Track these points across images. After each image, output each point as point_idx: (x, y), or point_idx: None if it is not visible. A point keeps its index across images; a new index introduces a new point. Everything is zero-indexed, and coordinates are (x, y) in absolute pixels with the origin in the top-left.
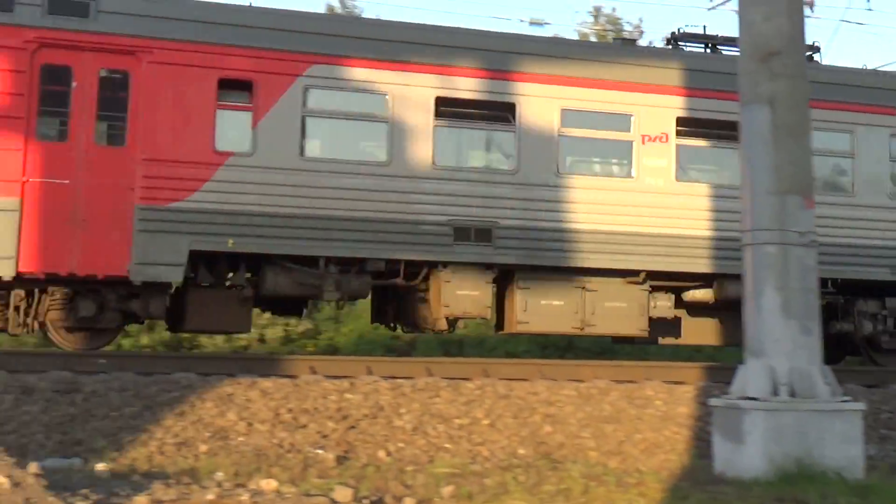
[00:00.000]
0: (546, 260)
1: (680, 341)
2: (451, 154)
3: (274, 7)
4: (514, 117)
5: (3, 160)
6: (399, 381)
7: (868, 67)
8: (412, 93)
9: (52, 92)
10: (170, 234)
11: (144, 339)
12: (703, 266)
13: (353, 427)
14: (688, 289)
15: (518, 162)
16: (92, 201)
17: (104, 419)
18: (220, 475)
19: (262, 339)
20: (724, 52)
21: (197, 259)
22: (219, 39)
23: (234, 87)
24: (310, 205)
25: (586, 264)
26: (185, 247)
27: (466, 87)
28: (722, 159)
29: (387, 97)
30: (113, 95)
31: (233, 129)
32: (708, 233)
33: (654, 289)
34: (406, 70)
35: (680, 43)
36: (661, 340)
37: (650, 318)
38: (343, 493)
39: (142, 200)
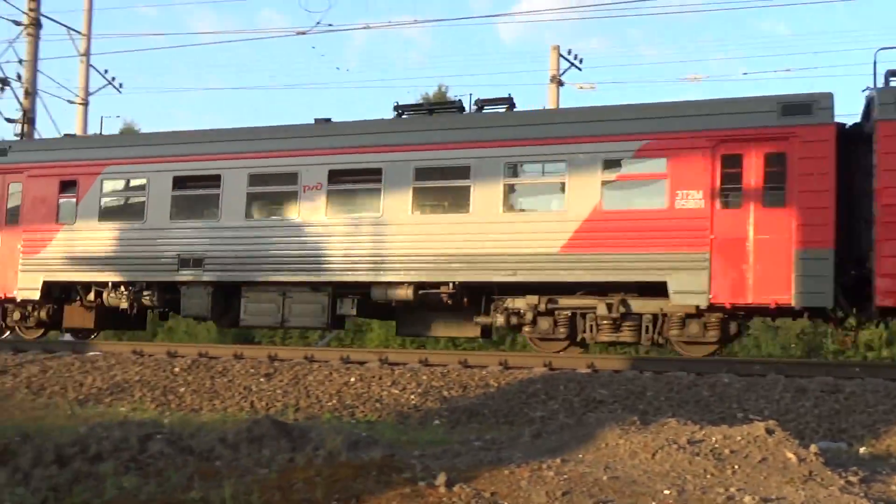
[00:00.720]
0: (235, 277)
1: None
2: (182, 211)
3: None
4: (219, 185)
5: None
6: None
7: None
8: (161, 176)
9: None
10: (33, 272)
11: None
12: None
13: None
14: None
15: (220, 213)
16: (2, 255)
17: (861, 413)
18: None
19: None
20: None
21: (70, 286)
22: (60, 158)
23: (68, 185)
24: (103, 248)
25: (266, 279)
26: (41, 279)
27: (188, 168)
28: (359, 200)
29: (145, 180)
30: (12, 196)
31: (66, 209)
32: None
33: (342, 294)
34: (155, 162)
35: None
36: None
37: (337, 316)
38: None
39: (22, 254)
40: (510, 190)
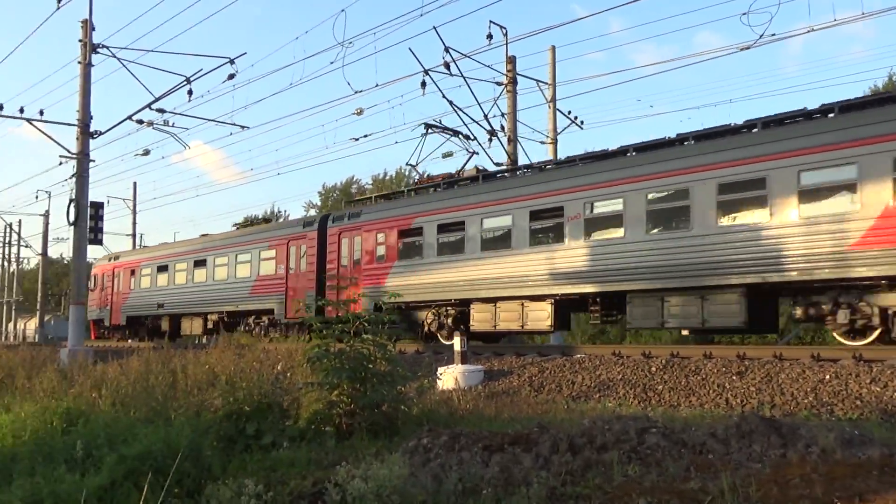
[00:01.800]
0: (182, 311)
1: None
2: (160, 279)
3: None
4: (168, 268)
5: None
6: None
7: None
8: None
9: None
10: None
11: None
12: None
13: None
14: None
15: (174, 280)
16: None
17: None
18: None
19: None
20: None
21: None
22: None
23: (133, 270)
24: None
25: (194, 311)
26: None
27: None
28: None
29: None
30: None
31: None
32: None
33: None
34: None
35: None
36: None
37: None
38: None
39: None
40: (214, 263)
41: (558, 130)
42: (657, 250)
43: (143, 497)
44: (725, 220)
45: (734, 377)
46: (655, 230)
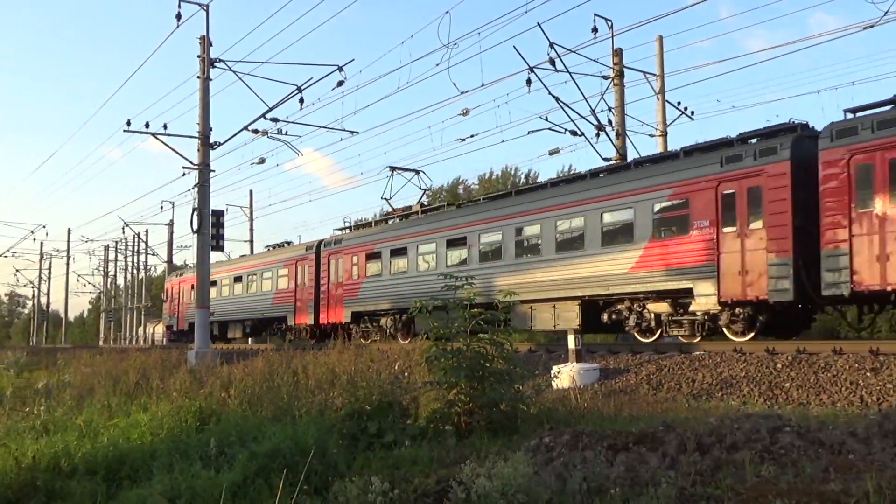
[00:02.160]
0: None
1: None
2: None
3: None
4: (216, 284)
5: None
6: None
7: None
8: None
9: None
10: None
11: None
12: None
13: None
14: None
15: (219, 294)
16: None
17: None
18: None
19: None
20: None
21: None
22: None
23: (192, 285)
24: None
25: (233, 319)
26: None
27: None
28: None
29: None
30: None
31: (191, 295)
32: None
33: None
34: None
35: None
36: None
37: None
38: None
39: None
40: (247, 279)
41: (668, 122)
42: (525, 272)
43: (278, 495)
44: (562, 250)
45: (868, 374)
46: (522, 256)
